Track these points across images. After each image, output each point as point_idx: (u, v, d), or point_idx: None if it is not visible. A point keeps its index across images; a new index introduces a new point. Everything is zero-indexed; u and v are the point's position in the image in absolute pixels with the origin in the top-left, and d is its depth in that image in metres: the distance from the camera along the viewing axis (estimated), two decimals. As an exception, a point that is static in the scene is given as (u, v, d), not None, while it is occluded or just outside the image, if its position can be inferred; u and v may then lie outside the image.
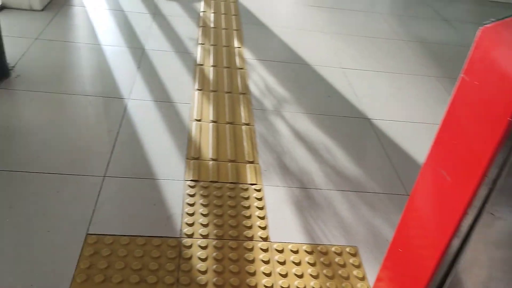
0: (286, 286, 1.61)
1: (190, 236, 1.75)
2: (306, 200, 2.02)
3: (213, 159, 2.18)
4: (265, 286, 1.61)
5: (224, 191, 1.98)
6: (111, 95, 2.55)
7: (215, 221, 1.82)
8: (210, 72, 2.95)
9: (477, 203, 0.86)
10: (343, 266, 1.73)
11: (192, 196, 1.93)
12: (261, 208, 1.93)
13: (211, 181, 2.03)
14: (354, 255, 1.79)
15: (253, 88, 2.85)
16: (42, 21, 3.26)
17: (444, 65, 3.57)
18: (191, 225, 1.79)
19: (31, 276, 1.52)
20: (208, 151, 2.23)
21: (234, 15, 3.89)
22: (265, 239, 1.79)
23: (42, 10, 3.40)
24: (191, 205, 1.89)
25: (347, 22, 4.15)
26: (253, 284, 1.61)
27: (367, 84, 3.11)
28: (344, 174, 2.22)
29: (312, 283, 1.65)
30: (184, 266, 1.63)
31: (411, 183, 2.21)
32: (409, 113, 2.83)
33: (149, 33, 3.34)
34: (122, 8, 3.69)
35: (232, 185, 2.03)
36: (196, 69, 2.96)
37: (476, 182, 0.84)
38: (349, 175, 2.21)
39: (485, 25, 0.87)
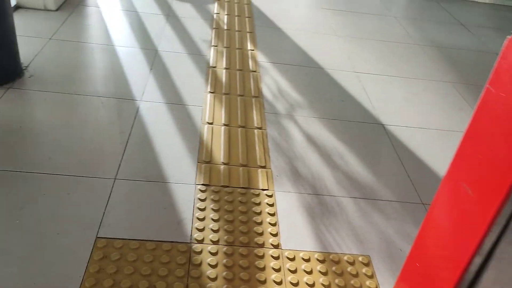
0: (297, 296, 1.58)
1: (200, 241, 1.72)
2: (318, 207, 1.99)
3: (224, 163, 2.15)
4: (275, 294, 1.58)
5: (235, 196, 1.96)
6: (123, 97, 2.54)
7: (225, 226, 1.80)
8: (222, 74, 2.93)
9: (502, 220, 0.82)
10: (356, 276, 1.70)
11: (202, 200, 1.91)
12: (272, 214, 1.90)
13: (222, 186, 2.01)
14: (367, 264, 1.75)
15: (266, 91, 2.82)
16: (56, 21, 3.27)
17: (460, 71, 3.51)
18: (201, 230, 1.77)
19: (40, 278, 1.51)
20: (219, 155, 2.20)
21: (247, 17, 3.87)
22: (276, 246, 1.76)
23: (57, 10, 3.41)
24: (202, 210, 1.87)
25: (361, 26, 4.11)
26: (263, 292, 1.58)
27: (381, 88, 3.07)
28: (357, 180, 2.18)
29: (323, 293, 1.62)
30: (194, 272, 1.60)
31: (426, 191, 2.18)
32: (424, 119, 2.79)
33: (162, 34, 3.33)
34: (136, 9, 3.69)
35: (243, 190, 2.00)
36: (208, 71, 2.94)
37: (501, 198, 0.80)
38: (362, 182, 2.17)
39: (513, 35, 0.83)
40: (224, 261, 1.66)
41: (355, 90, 2.99)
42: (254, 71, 3.03)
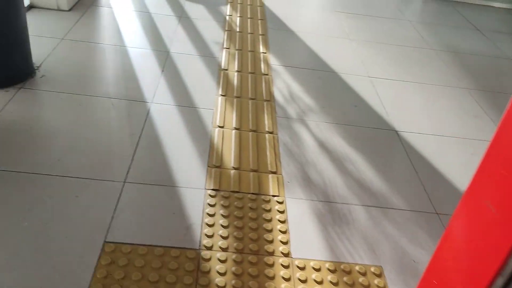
0: (307, 306, 1.55)
1: (209, 248, 1.69)
2: (330, 215, 1.95)
3: (235, 168, 2.12)
4: (285, 305, 1.55)
5: (245, 202, 1.93)
6: (134, 98, 2.53)
7: (235, 233, 1.77)
8: (234, 77, 2.90)
9: (527, 240, 0.78)
10: (367, 287, 1.65)
11: (212, 206, 1.88)
12: (283, 222, 1.86)
13: (232, 191, 1.98)
14: (379, 275, 1.71)
15: (277, 95, 2.79)
16: (69, 21, 3.27)
17: (476, 77, 3.44)
18: (210, 236, 1.74)
19: (47, 283, 1.49)
20: (230, 159, 2.18)
21: (260, 19, 3.84)
22: (287, 254, 1.72)
23: (69, 10, 3.42)
24: (211, 215, 1.84)
25: (375, 29, 4.06)
26: (272, 302, 1.55)
27: (395, 94, 3.02)
28: (370, 188, 2.14)
29: (334, 304, 1.58)
30: (202, 280, 1.57)
31: (440, 201, 2.12)
32: (439, 126, 2.73)
33: (174, 36, 3.31)
34: (148, 10, 3.68)
35: (253, 196, 1.97)
36: (220, 74, 2.92)
37: (527, 217, 0.76)
38: (375, 190, 2.13)
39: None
40: (233, 269, 1.63)
41: (368, 95, 2.94)
42: (266, 74, 3.00)
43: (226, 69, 2.98)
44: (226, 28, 3.57)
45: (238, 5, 4.07)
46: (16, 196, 1.79)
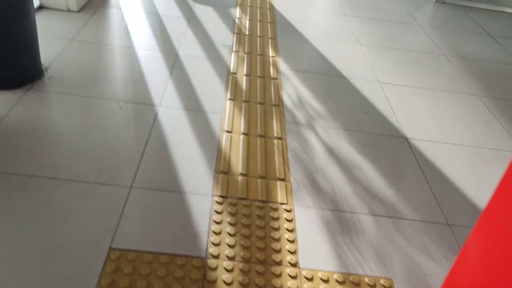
0: (315, 319, 1.52)
1: (216, 257, 1.67)
2: (339, 224, 1.91)
3: (242, 174, 2.10)
4: (292, 317, 1.52)
5: (252, 210, 1.90)
6: (142, 101, 2.51)
7: (242, 242, 1.74)
8: (243, 81, 2.88)
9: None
10: (377, 300, 1.62)
11: (219, 213, 1.86)
12: (291, 231, 1.83)
13: (239, 198, 1.95)
14: (388, 288, 1.67)
15: (286, 99, 2.76)
16: (78, 22, 3.26)
17: (488, 83, 3.39)
18: (217, 245, 1.71)
19: (51, 290, 1.47)
20: (237, 165, 2.15)
21: (270, 22, 3.81)
22: (294, 265, 1.69)
23: (79, 11, 3.41)
24: (218, 223, 1.81)
25: (385, 34, 4.02)
26: (279, 314, 1.52)
27: (405, 100, 2.98)
28: (380, 197, 2.10)
29: (342, 317, 1.55)
30: (208, 289, 1.55)
31: (451, 212, 2.08)
32: (450, 134, 2.69)
33: (183, 38, 3.30)
34: (157, 11, 3.67)
35: (261, 204, 1.94)
36: (229, 77, 2.89)
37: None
38: (384, 199, 2.10)
39: None
40: (240, 278, 1.60)
41: (378, 101, 2.90)
42: (275, 79, 2.97)
43: (235, 73, 2.96)
44: (235, 31, 3.54)
45: (248, 8, 4.04)
46: (23, 200, 1.77)
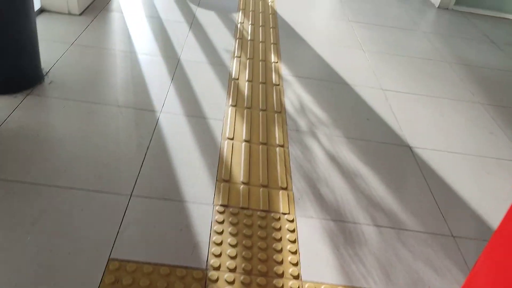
0: (318, 334, 1.49)
1: (217, 268, 1.64)
2: (342, 235, 1.88)
3: (244, 183, 2.07)
4: (294, 332, 1.48)
5: (254, 220, 1.87)
6: (143, 107, 2.48)
7: (243, 253, 1.71)
8: (245, 87, 2.85)
9: None
10: (380, 314, 1.59)
11: (220, 223, 1.83)
12: (293, 242, 1.80)
13: (241, 208, 1.92)
14: (392, 302, 1.64)
15: (288, 106, 2.73)
16: (79, 26, 3.24)
17: (492, 92, 3.37)
18: (218, 256, 1.68)
19: (49, 302, 1.44)
20: (239, 173, 2.12)
21: (272, 27, 3.79)
22: (296, 277, 1.66)
23: (80, 14, 3.39)
24: (219, 233, 1.78)
25: (388, 40, 3.99)
26: (281, 328, 1.49)
27: (409, 108, 2.95)
28: (383, 207, 2.07)
29: (345, 332, 1.51)
30: (209, 302, 1.52)
31: (456, 223, 2.05)
32: (453, 143, 2.66)
33: (185, 42, 3.27)
34: (159, 16, 3.64)
35: (263, 213, 1.91)
36: (230, 83, 2.87)
37: None
38: (387, 209, 2.07)
39: None
40: (241, 291, 1.57)
41: (381, 109, 2.88)
42: (277, 85, 2.95)
43: (237, 79, 2.93)
44: (238, 36, 3.52)
45: (250, 12, 4.02)
46: (20, 208, 1.75)
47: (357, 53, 3.63)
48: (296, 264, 1.71)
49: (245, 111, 2.61)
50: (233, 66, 3.07)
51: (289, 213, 1.94)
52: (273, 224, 1.86)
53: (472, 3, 5.14)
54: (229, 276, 1.61)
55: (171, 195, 1.93)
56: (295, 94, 2.88)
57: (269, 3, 4.32)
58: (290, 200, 2.01)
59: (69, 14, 3.35)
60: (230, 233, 1.79)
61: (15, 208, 1.74)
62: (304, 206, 2.00)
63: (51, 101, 2.42)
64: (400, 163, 2.41)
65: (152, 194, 1.92)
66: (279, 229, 1.85)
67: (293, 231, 1.85)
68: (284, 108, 2.71)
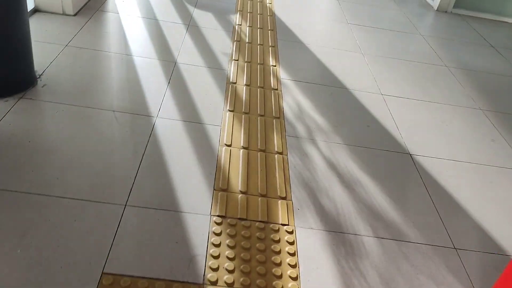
0: None
1: (214, 283, 1.58)
2: (343, 247, 1.83)
3: (242, 192, 2.01)
4: None
5: (252, 231, 1.82)
6: (138, 112, 2.42)
7: (241, 267, 1.66)
8: (243, 91, 2.79)
9: None
10: (383, 331, 1.54)
11: (218, 235, 1.77)
12: (292, 254, 1.75)
13: (239, 218, 1.87)
14: (394, 318, 1.59)
15: (287, 111, 2.68)
16: (74, 26, 3.17)
17: (492, 97, 3.33)
18: (215, 270, 1.63)
19: (39, 320, 1.38)
20: (237, 182, 2.07)
21: (270, 30, 3.74)
22: (296, 292, 1.61)
23: (75, 15, 3.32)
24: (217, 245, 1.73)
25: (388, 43, 3.95)
26: None
27: (409, 114, 2.91)
28: (384, 218, 2.03)
29: None
30: (206, 320, 1.46)
31: (458, 235, 2.01)
32: (455, 150, 2.62)
33: (182, 45, 3.21)
34: (155, 17, 3.58)
35: (261, 225, 1.86)
36: (228, 87, 2.81)
37: None
38: (389, 220, 2.02)
39: None
40: (239, 307, 1.52)
41: (381, 114, 2.83)
42: (276, 89, 2.89)
43: (235, 83, 2.88)
44: (235, 39, 3.46)
45: (248, 14, 3.97)
46: (10, 219, 1.68)
47: (356, 56, 3.58)
48: (295, 279, 1.66)
49: (243, 116, 2.56)
50: (231, 70, 3.01)
51: (288, 224, 1.89)
52: (272, 236, 1.81)
53: (471, 6, 5.11)
54: (227, 291, 1.56)
55: (167, 205, 1.87)
56: (293, 99, 2.83)
57: (267, 5, 4.27)
58: (290, 210, 1.96)
59: (64, 14, 3.28)
60: (228, 246, 1.73)
61: (4, 219, 1.68)
62: (303, 216, 1.95)
63: (44, 105, 2.35)
64: (401, 172, 2.36)
65: (148, 203, 1.86)
66: (278, 241, 1.79)
67: (292, 243, 1.80)
68: (283, 114, 2.66)
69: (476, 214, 2.16)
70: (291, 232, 1.85)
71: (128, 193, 1.89)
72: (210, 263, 1.65)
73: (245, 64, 3.13)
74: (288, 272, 1.67)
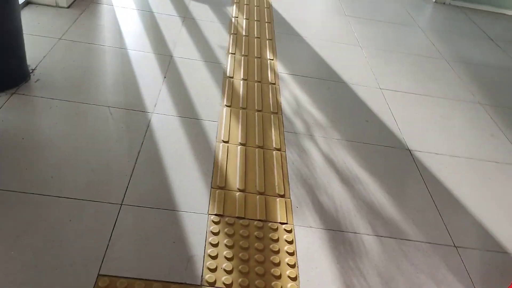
0: None
1: (212, 284, 1.56)
2: (342, 246, 1.81)
3: (240, 190, 1.99)
4: None
5: (251, 231, 1.79)
6: (134, 107, 2.38)
7: (240, 267, 1.63)
8: (240, 86, 2.75)
9: None
10: (383, 332, 1.53)
11: (215, 234, 1.75)
12: (291, 254, 1.73)
13: (237, 217, 1.84)
14: (394, 318, 1.58)
15: (285, 106, 2.65)
16: (67, 19, 3.11)
17: (491, 91, 3.31)
18: (213, 270, 1.60)
19: (34, 324, 1.36)
20: (235, 179, 2.04)
21: (267, 22, 3.68)
22: (296, 293, 1.59)
23: (68, 7, 3.25)
24: (214, 245, 1.70)
25: (386, 36, 3.91)
26: None
27: (407, 108, 2.88)
28: (383, 215, 2.01)
29: None
30: (204, 322, 1.44)
31: (458, 232, 1.99)
32: (454, 146, 2.60)
33: (178, 38, 3.16)
34: (151, 9, 3.52)
35: (260, 223, 1.83)
36: (225, 82, 2.77)
37: None
38: (388, 217, 2.00)
39: None
40: (238, 309, 1.50)
41: (379, 109, 2.80)
42: (273, 83, 2.86)
43: (232, 77, 2.83)
44: (232, 32, 3.41)
45: (245, 6, 3.91)
46: (4, 219, 1.65)
47: (355, 50, 3.54)
48: (295, 279, 1.64)
49: (240, 111, 2.52)
50: (228, 64, 2.97)
51: (287, 223, 1.86)
52: (270, 235, 1.79)
53: (469, -2, 5.07)
54: (225, 292, 1.54)
55: (163, 204, 1.84)
56: (291, 94, 2.79)
57: (264, -3, 4.21)
58: (288, 209, 1.94)
59: (57, 6, 3.21)
60: (226, 245, 1.71)
61: (-2, 219, 1.64)
62: (302, 215, 1.92)
63: (38, 100, 2.31)
64: (400, 168, 2.34)
65: (144, 202, 1.83)
66: (277, 240, 1.77)
67: (291, 242, 1.78)
68: (281, 109, 2.62)
69: (475, 210, 2.14)
70: (289, 231, 1.83)
71: (124, 192, 1.86)
72: (208, 263, 1.63)
73: (242, 57, 3.08)
74: (287, 272, 1.65)
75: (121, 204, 1.80)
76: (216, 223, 1.80)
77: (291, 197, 2.01)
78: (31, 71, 2.50)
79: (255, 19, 3.71)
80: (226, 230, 1.77)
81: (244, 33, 3.42)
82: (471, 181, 2.34)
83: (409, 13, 4.55)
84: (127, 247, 1.64)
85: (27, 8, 3.13)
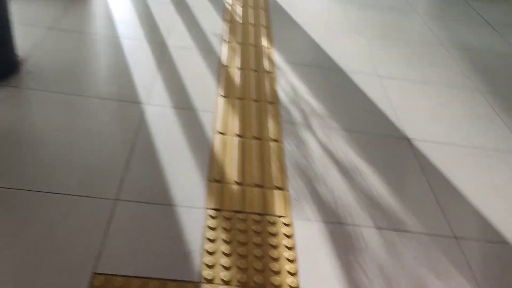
0: None
1: (210, 281, 1.53)
2: (342, 239, 1.79)
3: (237, 183, 1.95)
4: None
5: (249, 225, 1.76)
6: (128, 99, 2.33)
7: (238, 263, 1.61)
8: (236, 75, 2.70)
9: None
10: (384, 327, 1.51)
11: (213, 229, 1.71)
12: (290, 248, 1.70)
13: (235, 211, 1.81)
14: (395, 313, 1.56)
15: (282, 96, 2.60)
16: (59, 7, 3.03)
17: (490, 78, 3.26)
18: (211, 267, 1.58)
19: (28, 325, 1.33)
20: (232, 172, 2.00)
21: (263, 9, 3.61)
22: (295, 288, 1.57)
23: (59, -5, 3.17)
24: (212, 241, 1.67)
25: (383, 23, 3.85)
26: None
27: (406, 96, 2.84)
28: (383, 207, 1.98)
29: None
30: (203, 320, 1.42)
31: (458, 223, 1.97)
32: (453, 134, 2.56)
33: (171, 26, 3.09)
34: (144, -4, 3.44)
35: (258, 217, 1.80)
36: (221, 71, 2.71)
37: None
38: (388, 209, 1.97)
39: None
40: (237, 306, 1.47)
41: (378, 98, 2.76)
42: (270, 72, 2.80)
43: (227, 66, 2.78)
44: (227, 19, 3.34)
45: (240, -7, 3.83)
46: (1, 218, 1.61)
47: (352, 37, 3.48)
48: (294, 274, 1.61)
49: (237, 102, 2.48)
50: (223, 52, 2.91)
51: (285, 216, 1.83)
52: (269, 229, 1.76)
53: (467, -18, 4.98)
54: (223, 289, 1.51)
55: (159, 199, 1.80)
56: (288, 83, 2.74)
57: (260, -18, 4.12)
58: (287, 201, 1.91)
59: (47, -5, 3.13)
60: (224, 240, 1.68)
61: (-11, 217, 1.60)
62: (301, 207, 1.89)
63: (29, 93, 2.25)
64: (399, 158, 2.31)
65: (139, 197, 1.79)
66: (276, 234, 1.74)
67: (290, 236, 1.75)
68: (278, 98, 2.57)
69: (475, 200, 2.11)
70: (288, 225, 1.80)
71: (119, 187, 1.82)
72: (206, 259, 1.60)
73: (238, 46, 3.02)
74: (287, 267, 1.63)
75: (116, 200, 1.76)
76: (213, 217, 1.76)
77: (289, 189, 1.97)
78: (21, 62, 2.43)
79: (250, 5, 3.63)
80: (223, 224, 1.74)
81: (239, 21, 3.35)
82: (471, 170, 2.32)
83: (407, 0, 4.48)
84: (122, 243, 1.60)
85: (16, -4, 3.04)
